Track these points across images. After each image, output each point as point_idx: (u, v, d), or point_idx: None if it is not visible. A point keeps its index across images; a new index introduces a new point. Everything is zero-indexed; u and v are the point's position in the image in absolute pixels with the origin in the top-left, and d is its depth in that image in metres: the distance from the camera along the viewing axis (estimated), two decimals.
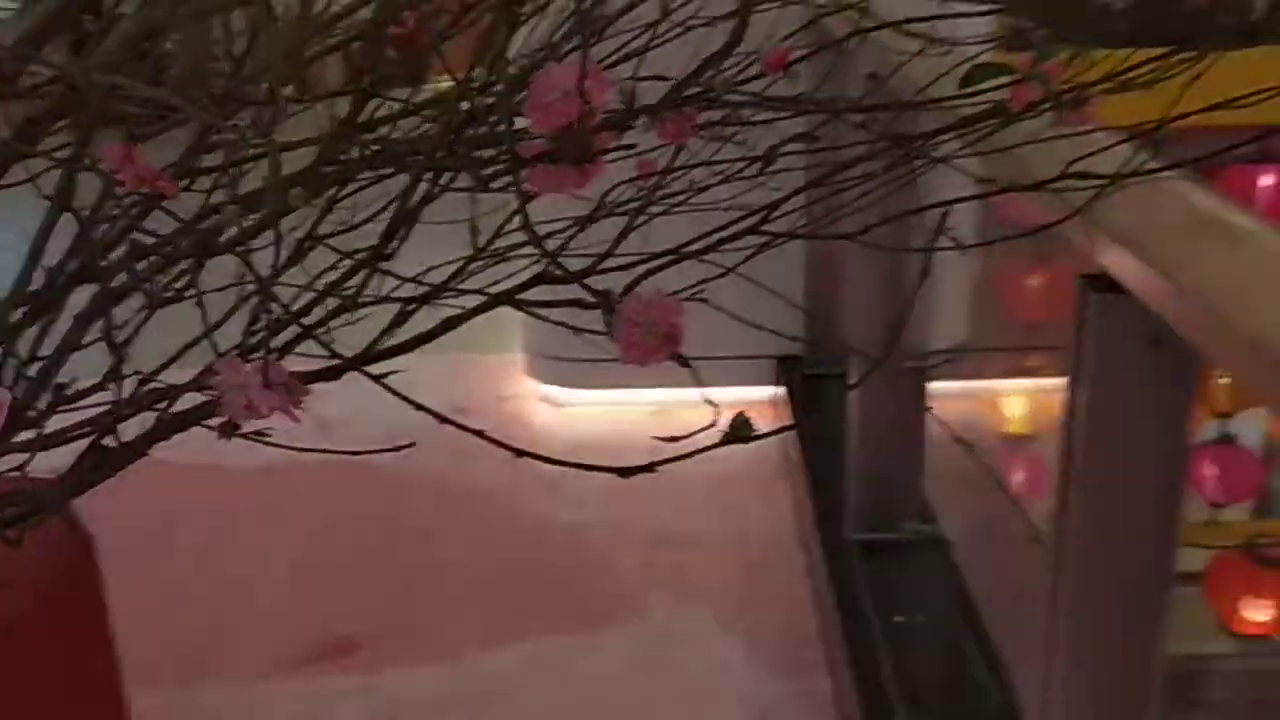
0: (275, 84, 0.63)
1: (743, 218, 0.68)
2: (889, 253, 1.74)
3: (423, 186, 0.70)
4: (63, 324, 0.80)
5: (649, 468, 0.55)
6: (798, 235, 0.80)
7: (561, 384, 2.63)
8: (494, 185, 0.61)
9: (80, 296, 0.80)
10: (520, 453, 0.59)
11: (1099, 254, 0.78)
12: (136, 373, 0.75)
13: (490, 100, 0.65)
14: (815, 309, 2.35)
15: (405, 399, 0.60)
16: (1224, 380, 2.92)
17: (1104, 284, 0.80)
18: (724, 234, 0.67)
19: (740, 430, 0.54)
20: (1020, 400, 2.48)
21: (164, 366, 0.78)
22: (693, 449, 0.56)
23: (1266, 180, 2.86)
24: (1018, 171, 0.79)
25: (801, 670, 1.74)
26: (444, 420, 0.60)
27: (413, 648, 1.84)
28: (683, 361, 0.49)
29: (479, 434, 0.62)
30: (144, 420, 0.71)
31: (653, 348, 0.47)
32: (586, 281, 0.54)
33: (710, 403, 0.60)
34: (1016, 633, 1.60)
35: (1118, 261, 0.77)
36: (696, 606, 1.91)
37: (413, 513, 2.21)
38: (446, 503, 2.21)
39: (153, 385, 0.74)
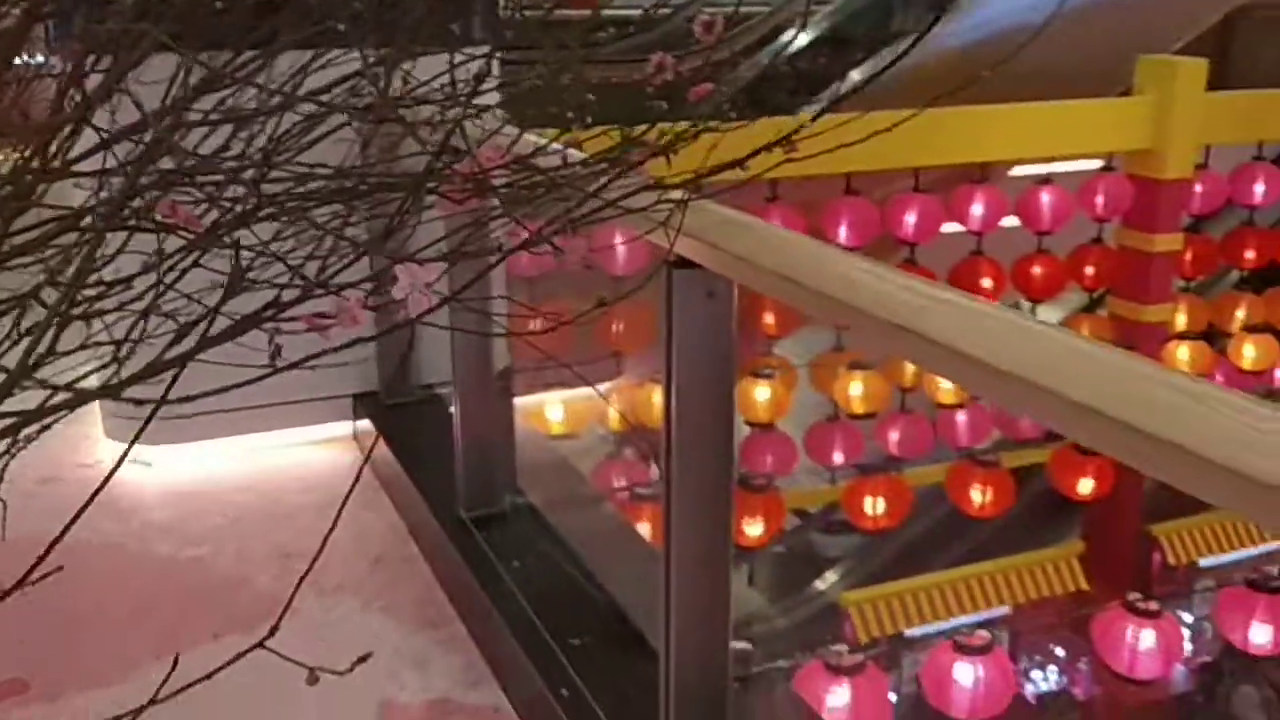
0: None
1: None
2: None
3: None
4: None
5: None
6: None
7: (143, 442, 2.91)
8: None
9: None
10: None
11: (677, 246, 1.42)
12: None
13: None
14: (389, 349, 2.87)
15: None
16: None
17: (679, 263, 1.44)
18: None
19: None
20: (567, 405, 3.19)
21: None
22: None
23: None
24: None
25: (440, 624, 2.25)
26: None
27: (87, 674, 2.11)
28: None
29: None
30: None
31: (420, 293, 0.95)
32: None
33: None
34: (603, 555, 2.24)
35: (687, 248, 1.41)
36: (339, 597, 2.34)
37: (43, 568, 2.42)
38: (75, 556, 2.43)
39: None
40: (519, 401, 2.79)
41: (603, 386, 3.21)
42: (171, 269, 1.08)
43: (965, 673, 2.31)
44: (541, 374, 3.06)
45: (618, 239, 2.62)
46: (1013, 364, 0.95)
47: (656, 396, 3.18)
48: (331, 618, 2.28)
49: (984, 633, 2.47)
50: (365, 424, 2.93)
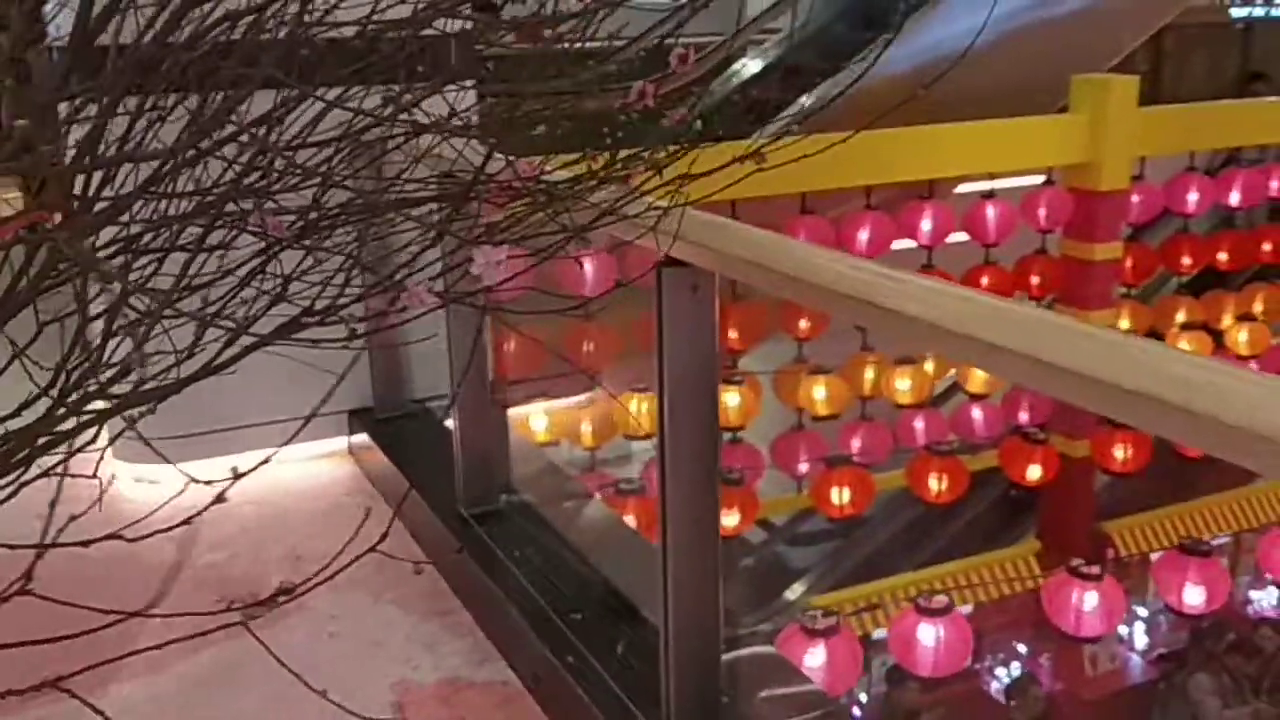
0: None
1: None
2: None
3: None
4: None
5: None
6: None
7: (150, 461, 3.12)
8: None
9: None
10: None
11: (665, 247, 1.68)
12: None
13: None
14: (382, 366, 3.11)
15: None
16: None
17: (669, 263, 1.70)
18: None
19: None
20: (550, 414, 3.43)
21: None
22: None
23: None
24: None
25: (446, 612, 2.48)
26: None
27: (121, 669, 2.31)
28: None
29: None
30: None
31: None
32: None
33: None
34: (593, 541, 2.49)
35: (675, 248, 1.67)
36: (350, 593, 2.56)
37: (64, 577, 2.62)
38: (92, 567, 2.64)
39: None
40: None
41: (582, 398, 3.46)
42: (252, 272, 1.33)
43: (927, 633, 2.57)
44: (526, 387, 3.31)
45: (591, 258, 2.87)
46: (945, 321, 1.22)
47: (633, 405, 3.44)
48: (345, 611, 2.50)
49: (943, 597, 2.73)
50: (360, 438, 3.16)
